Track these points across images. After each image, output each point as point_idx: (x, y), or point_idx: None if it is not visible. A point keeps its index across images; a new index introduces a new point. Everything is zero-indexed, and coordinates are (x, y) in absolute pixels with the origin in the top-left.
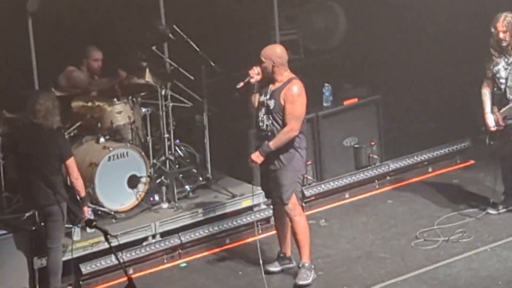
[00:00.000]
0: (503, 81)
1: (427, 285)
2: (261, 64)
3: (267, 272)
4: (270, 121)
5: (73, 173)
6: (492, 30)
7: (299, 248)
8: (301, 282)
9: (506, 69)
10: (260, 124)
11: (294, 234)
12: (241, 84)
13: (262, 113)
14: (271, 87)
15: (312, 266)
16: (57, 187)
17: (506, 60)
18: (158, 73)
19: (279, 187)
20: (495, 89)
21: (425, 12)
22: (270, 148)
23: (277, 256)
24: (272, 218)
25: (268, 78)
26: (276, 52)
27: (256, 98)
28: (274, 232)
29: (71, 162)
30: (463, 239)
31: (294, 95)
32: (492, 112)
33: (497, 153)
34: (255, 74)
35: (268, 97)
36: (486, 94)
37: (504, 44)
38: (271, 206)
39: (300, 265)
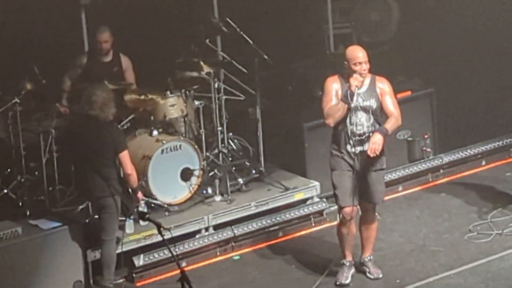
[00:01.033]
0: None
1: (480, 278)
2: (367, 66)
3: (341, 286)
4: (371, 121)
5: (127, 166)
6: None
7: (370, 243)
8: (379, 276)
9: None
10: (359, 128)
11: (371, 230)
12: (352, 98)
13: (358, 117)
14: (355, 89)
15: None
16: (111, 180)
17: None
18: (211, 62)
19: (380, 186)
20: None
21: (478, 5)
22: (387, 131)
23: (342, 265)
24: (325, 212)
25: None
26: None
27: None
28: (327, 225)
29: (125, 155)
30: None
31: (389, 86)
32: None
33: None
34: (361, 83)
35: (361, 99)
36: None
37: None
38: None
39: (367, 259)
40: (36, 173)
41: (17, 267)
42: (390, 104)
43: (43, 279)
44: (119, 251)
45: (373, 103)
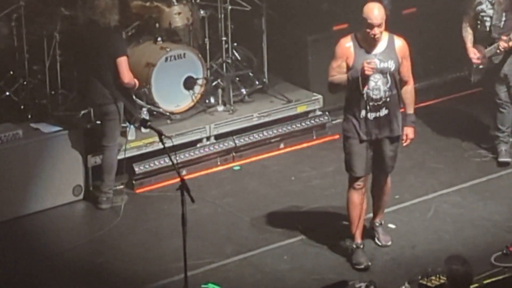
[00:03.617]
0: (487, 19)
1: (479, 196)
2: (380, 30)
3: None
4: (389, 85)
5: (123, 74)
6: None
7: (382, 207)
8: (387, 243)
9: (490, 8)
10: (375, 93)
11: (383, 195)
12: (362, 85)
13: (374, 80)
14: (371, 49)
15: None
16: (113, 86)
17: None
18: None
19: (394, 155)
20: (479, 27)
21: None
22: (414, 117)
23: (356, 249)
24: (328, 125)
25: (368, 42)
26: (384, 10)
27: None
28: (328, 138)
29: (122, 61)
30: None
31: (407, 49)
32: (478, 49)
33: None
34: (372, 71)
35: (378, 60)
36: (468, 30)
37: None
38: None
39: (378, 224)
40: (39, 76)
41: (17, 170)
42: (407, 70)
43: (43, 183)
44: (121, 157)
45: (391, 65)
